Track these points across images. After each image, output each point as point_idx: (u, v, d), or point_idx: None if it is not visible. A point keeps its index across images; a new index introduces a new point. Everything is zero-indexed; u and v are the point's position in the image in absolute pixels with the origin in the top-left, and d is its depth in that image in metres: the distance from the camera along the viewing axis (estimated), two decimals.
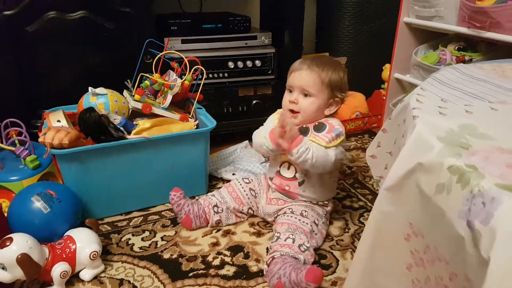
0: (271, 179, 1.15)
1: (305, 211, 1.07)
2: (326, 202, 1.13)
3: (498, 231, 0.38)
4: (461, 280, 0.46)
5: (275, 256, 0.94)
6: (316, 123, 1.07)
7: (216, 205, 1.14)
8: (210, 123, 1.26)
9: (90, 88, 1.22)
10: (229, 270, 0.99)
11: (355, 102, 1.84)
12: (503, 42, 1.26)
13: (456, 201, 0.44)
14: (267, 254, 1.00)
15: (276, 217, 1.11)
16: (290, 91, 1.08)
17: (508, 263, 0.36)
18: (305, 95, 1.06)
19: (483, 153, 0.47)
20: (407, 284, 0.58)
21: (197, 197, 1.30)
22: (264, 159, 1.47)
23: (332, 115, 1.10)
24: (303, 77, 1.05)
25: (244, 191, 1.16)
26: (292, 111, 1.07)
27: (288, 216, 1.06)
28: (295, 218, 1.05)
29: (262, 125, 1.17)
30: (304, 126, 1.07)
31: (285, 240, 0.98)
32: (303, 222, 1.04)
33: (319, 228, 1.06)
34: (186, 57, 1.27)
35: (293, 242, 0.97)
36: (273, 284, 0.90)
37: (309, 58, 1.10)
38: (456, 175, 0.45)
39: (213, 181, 1.39)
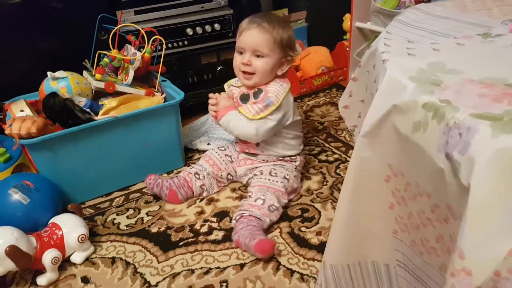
0: (236, 143, 1.19)
1: (274, 169, 1.10)
2: (294, 157, 1.16)
3: (476, 158, 0.39)
4: (443, 210, 0.48)
5: (243, 215, 0.98)
6: (256, 89, 1.07)
7: (196, 173, 1.15)
8: (178, 95, 1.23)
9: (48, 73, 1.17)
10: (217, 235, 1.01)
11: (320, 57, 1.84)
12: None
13: (434, 136, 0.46)
14: None
15: (248, 179, 1.14)
16: (241, 53, 1.07)
17: (488, 186, 0.38)
18: (258, 56, 1.04)
19: (455, 87, 0.49)
20: (391, 222, 0.61)
21: (175, 171, 1.29)
22: None
23: (283, 75, 1.10)
24: (254, 36, 1.03)
25: (221, 157, 1.18)
26: (245, 72, 1.06)
27: (258, 178, 1.09)
28: (265, 179, 1.08)
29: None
30: (246, 92, 1.09)
31: (255, 201, 1.01)
32: (273, 181, 1.07)
33: (290, 183, 1.09)
34: (142, 29, 1.22)
35: (263, 203, 1.00)
36: (234, 240, 0.96)
37: (258, 16, 1.06)
38: (431, 111, 0.46)
39: (189, 154, 1.38)
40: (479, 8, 0.81)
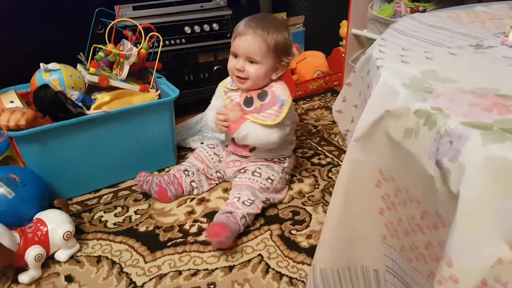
0: (226, 145, 1.19)
1: (259, 168, 1.11)
2: (283, 159, 1.16)
3: (466, 165, 0.40)
4: (433, 217, 0.49)
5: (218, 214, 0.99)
6: (260, 91, 1.08)
7: (186, 169, 1.15)
8: (173, 92, 1.22)
9: (41, 64, 1.15)
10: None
11: (316, 61, 1.85)
12: None
13: (425, 143, 0.46)
14: None
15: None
16: (235, 56, 1.07)
17: (477, 193, 0.39)
18: (251, 62, 1.04)
19: (447, 95, 0.49)
20: (381, 228, 0.61)
21: (167, 169, 1.28)
22: None
23: (278, 79, 1.09)
24: (249, 43, 1.02)
25: (209, 155, 1.19)
26: (239, 77, 1.06)
27: (239, 178, 1.10)
28: (246, 178, 1.08)
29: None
30: (249, 96, 1.08)
31: (232, 200, 1.03)
32: (253, 180, 1.07)
33: (274, 184, 1.09)
34: (140, 24, 1.21)
35: (238, 200, 1.02)
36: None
37: (254, 20, 1.05)
38: (423, 118, 0.47)
39: (181, 152, 1.37)
40: (472, 20, 0.82)
